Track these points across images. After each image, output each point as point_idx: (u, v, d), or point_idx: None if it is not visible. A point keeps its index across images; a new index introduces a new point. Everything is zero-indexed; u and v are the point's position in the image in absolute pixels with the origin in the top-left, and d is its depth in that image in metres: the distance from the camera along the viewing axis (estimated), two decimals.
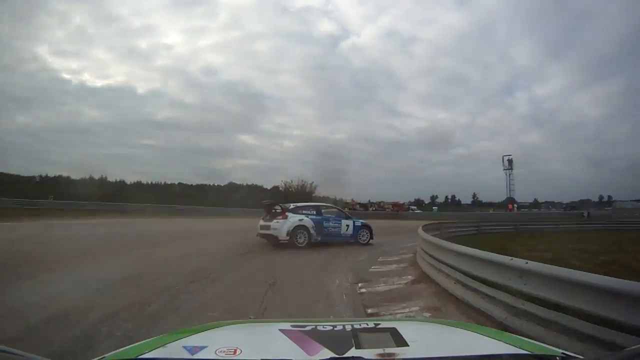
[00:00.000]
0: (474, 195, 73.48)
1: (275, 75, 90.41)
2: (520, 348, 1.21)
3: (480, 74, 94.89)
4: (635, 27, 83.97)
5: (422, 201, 60.54)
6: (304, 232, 10.47)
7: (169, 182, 52.97)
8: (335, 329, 1.41)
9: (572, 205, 60.92)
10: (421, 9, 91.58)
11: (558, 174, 79.77)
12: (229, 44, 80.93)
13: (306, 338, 1.29)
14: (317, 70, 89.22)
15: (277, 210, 10.87)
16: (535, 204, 66.44)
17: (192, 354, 1.16)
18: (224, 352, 1.14)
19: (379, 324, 1.52)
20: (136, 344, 1.33)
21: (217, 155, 79.44)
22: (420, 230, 8.41)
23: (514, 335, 1.49)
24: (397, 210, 45.96)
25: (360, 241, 11.59)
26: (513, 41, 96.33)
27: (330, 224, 11.23)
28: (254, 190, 50.57)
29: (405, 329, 1.39)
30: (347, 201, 49.21)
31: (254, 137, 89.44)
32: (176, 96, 79.89)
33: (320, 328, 1.42)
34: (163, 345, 1.25)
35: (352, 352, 1.12)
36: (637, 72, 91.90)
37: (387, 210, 47.32)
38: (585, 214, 41.41)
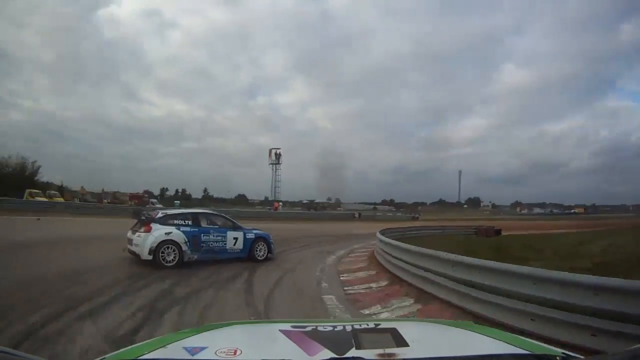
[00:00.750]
0: (205, 190, 79.11)
1: (20, 29, 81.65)
2: (520, 348, 1.27)
3: (227, 73, 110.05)
4: (378, 61, 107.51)
5: (152, 193, 61.12)
6: (174, 248, 8.87)
7: None
8: (335, 329, 1.46)
9: (308, 205, 68.54)
10: None
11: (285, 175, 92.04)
12: None
13: (306, 338, 1.32)
14: (65, 32, 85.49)
15: (143, 220, 9.28)
16: (267, 201, 71.80)
17: (192, 355, 1.17)
18: (224, 352, 1.16)
19: (379, 324, 1.60)
20: (136, 344, 1.34)
21: None
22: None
23: (514, 335, 1.59)
24: (137, 203, 41.10)
25: (257, 257, 10.13)
26: (267, 49, 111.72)
27: (212, 236, 9.55)
28: None
29: (406, 329, 1.46)
30: (76, 189, 44.37)
31: None
32: None
33: (320, 328, 1.46)
34: (163, 346, 1.26)
35: (353, 352, 1.17)
36: (370, 98, 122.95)
37: (126, 203, 42.24)
38: (357, 214, 49.18)
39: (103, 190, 46.66)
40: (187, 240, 9.03)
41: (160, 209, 10.93)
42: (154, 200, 48.38)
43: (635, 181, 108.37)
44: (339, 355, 1.14)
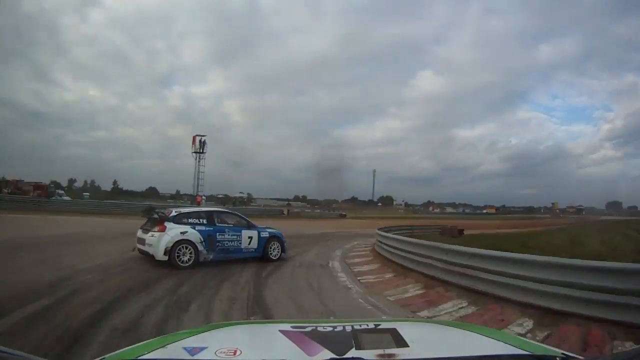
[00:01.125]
0: (115, 182, 75.70)
1: None
2: (520, 348, 1.27)
3: (144, 59, 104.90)
4: (298, 58, 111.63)
5: (59, 184, 57.46)
6: (189, 248, 8.70)
7: None
8: (335, 329, 1.46)
9: (223, 200, 65.46)
10: None
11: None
12: None
13: (306, 339, 1.32)
14: None
15: (156, 219, 9.10)
16: (178, 195, 70.10)
17: (192, 355, 1.16)
18: (224, 352, 1.15)
19: (379, 325, 1.60)
20: (136, 344, 1.32)
21: None
22: None
23: (514, 336, 1.71)
24: (41, 194, 37.50)
25: (271, 257, 9.91)
26: (187, 36, 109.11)
27: (227, 235, 9.31)
28: None
29: (405, 330, 1.47)
30: None
31: None
32: None
33: (320, 329, 1.46)
34: (163, 346, 1.25)
35: (352, 352, 1.17)
36: (287, 94, 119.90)
37: (29, 194, 38.16)
38: (285, 212, 48.48)
39: (4, 178, 41.91)
40: (202, 239, 8.84)
41: (174, 206, 11.31)
42: (61, 192, 44.45)
43: (541, 186, 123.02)
44: (338, 355, 1.14)
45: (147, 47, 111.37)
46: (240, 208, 47.73)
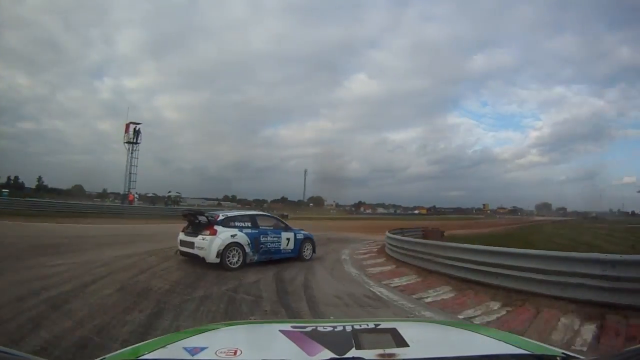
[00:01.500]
0: (40, 179, 70.85)
1: None
2: (520, 348, 1.25)
3: (77, 46, 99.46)
4: (233, 54, 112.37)
5: None
6: (238, 250, 9.13)
7: None
8: (335, 329, 1.45)
9: (153, 199, 60.26)
10: None
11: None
12: None
13: (306, 339, 1.31)
14: None
15: (203, 222, 9.40)
16: (105, 193, 67.94)
17: (192, 355, 1.16)
18: (224, 352, 1.15)
19: (379, 325, 1.58)
20: (136, 345, 1.34)
21: None
22: None
23: (514, 335, 1.55)
24: None
25: (304, 257, 10.59)
26: (122, 26, 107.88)
27: (269, 238, 9.85)
28: None
29: (406, 329, 1.45)
30: None
31: None
32: None
33: (320, 329, 1.46)
34: (163, 346, 1.25)
35: (353, 352, 1.16)
36: (219, 91, 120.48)
37: None
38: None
39: None
40: (250, 242, 9.21)
41: (221, 210, 11.25)
42: None
43: (469, 188, 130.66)
44: (339, 355, 1.13)
45: (81, 35, 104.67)
46: (172, 208, 43.22)
